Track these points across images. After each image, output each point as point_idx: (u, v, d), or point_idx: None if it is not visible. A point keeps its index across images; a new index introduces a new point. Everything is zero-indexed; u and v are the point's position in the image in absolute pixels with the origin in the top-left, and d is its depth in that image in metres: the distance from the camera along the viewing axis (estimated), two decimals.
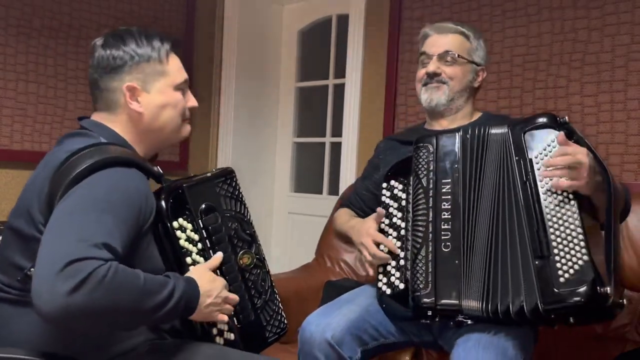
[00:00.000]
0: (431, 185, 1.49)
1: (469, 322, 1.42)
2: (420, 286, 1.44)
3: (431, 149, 1.52)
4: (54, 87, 2.71)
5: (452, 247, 1.44)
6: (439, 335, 1.59)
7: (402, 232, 1.54)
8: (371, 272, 1.57)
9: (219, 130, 3.34)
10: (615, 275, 1.29)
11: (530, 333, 1.49)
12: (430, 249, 1.45)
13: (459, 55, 1.68)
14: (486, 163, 1.46)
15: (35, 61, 2.66)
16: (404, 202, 1.56)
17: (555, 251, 1.31)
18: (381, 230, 1.58)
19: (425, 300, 1.43)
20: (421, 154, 1.53)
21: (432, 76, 1.69)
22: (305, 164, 3.50)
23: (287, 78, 3.47)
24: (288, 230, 3.44)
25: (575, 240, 1.30)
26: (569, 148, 1.33)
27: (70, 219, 1.08)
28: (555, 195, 1.34)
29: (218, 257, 1.32)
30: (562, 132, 1.34)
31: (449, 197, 1.47)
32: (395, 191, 1.59)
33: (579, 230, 1.31)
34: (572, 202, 1.33)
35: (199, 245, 1.32)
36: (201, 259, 1.32)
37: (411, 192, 1.53)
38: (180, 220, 1.30)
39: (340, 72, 3.16)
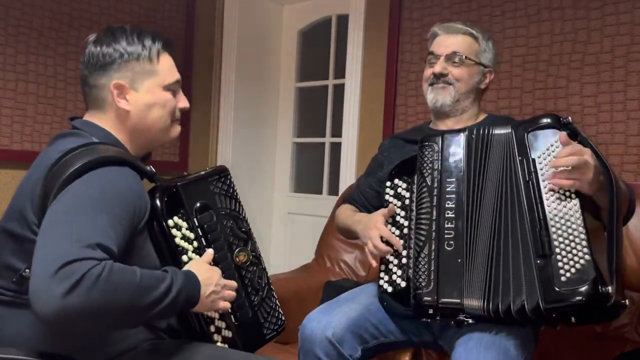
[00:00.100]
0: (435, 184, 1.49)
1: (470, 321, 1.42)
2: (422, 284, 1.44)
3: (436, 148, 1.52)
4: (53, 87, 2.71)
5: (455, 245, 1.44)
6: (439, 335, 1.60)
7: (405, 230, 1.55)
8: (374, 263, 1.57)
9: (219, 130, 3.34)
10: (617, 276, 1.29)
11: (531, 333, 1.49)
12: (433, 247, 1.46)
13: (466, 57, 1.67)
14: (490, 163, 1.46)
15: (35, 61, 2.65)
16: (407, 201, 1.57)
17: (557, 250, 1.31)
18: None
19: (427, 298, 1.43)
20: (426, 152, 1.53)
21: (439, 77, 1.69)
22: (305, 164, 3.50)
23: (287, 78, 3.47)
24: (288, 230, 3.44)
25: (577, 240, 1.31)
26: (574, 148, 1.33)
27: (64, 220, 1.08)
28: (557, 194, 1.35)
29: (209, 253, 1.33)
30: (564, 132, 1.35)
31: (453, 196, 1.47)
32: (399, 190, 1.60)
33: (581, 229, 1.31)
34: (575, 201, 1.33)
35: (195, 244, 1.32)
36: (197, 257, 1.32)
37: (415, 190, 1.54)
38: (176, 218, 1.30)
39: (340, 73, 3.16)
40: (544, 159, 1.38)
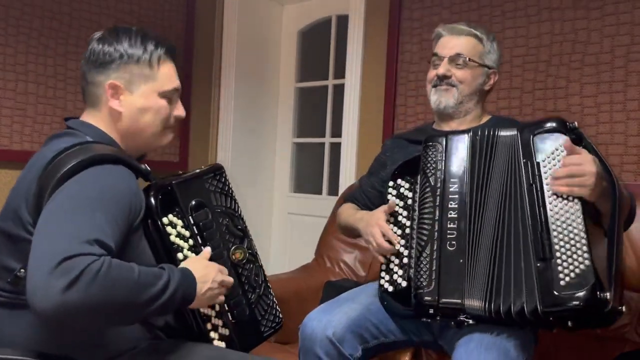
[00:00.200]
0: (439, 184, 1.50)
1: (470, 322, 1.42)
2: (424, 284, 1.44)
3: (440, 148, 1.52)
4: (53, 88, 2.71)
5: (457, 246, 1.44)
6: (439, 335, 1.60)
7: (407, 230, 1.55)
8: (382, 259, 1.57)
9: (219, 130, 3.34)
10: (616, 282, 1.29)
11: (531, 334, 1.49)
12: (435, 247, 1.46)
13: (470, 59, 1.67)
14: (494, 164, 1.46)
15: (35, 61, 2.65)
16: (409, 201, 1.57)
17: (558, 254, 1.32)
18: None
19: (428, 297, 1.43)
20: (430, 152, 1.53)
21: (442, 78, 1.69)
22: (305, 164, 3.50)
23: (286, 78, 3.47)
24: (287, 230, 3.44)
25: (578, 245, 1.31)
26: (576, 157, 1.33)
27: (61, 217, 1.08)
28: (560, 199, 1.35)
29: (207, 251, 1.33)
30: (568, 138, 1.36)
31: (456, 196, 1.47)
32: (402, 190, 1.60)
33: (583, 234, 1.31)
34: (577, 206, 1.34)
35: (190, 242, 1.32)
36: (193, 255, 1.32)
37: (418, 190, 1.54)
38: (171, 216, 1.30)
39: (340, 73, 3.16)
40: (549, 163, 1.38)
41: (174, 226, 1.30)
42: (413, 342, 1.65)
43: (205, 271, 1.26)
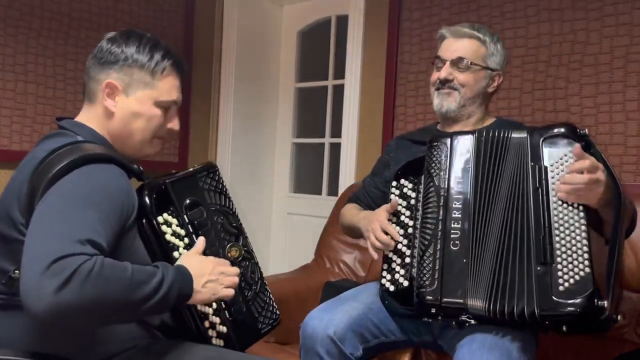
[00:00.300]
0: (443, 185, 1.50)
1: (472, 322, 1.41)
2: (426, 283, 1.44)
3: (445, 148, 1.52)
4: (53, 88, 2.71)
5: (460, 245, 1.44)
6: (440, 336, 1.60)
7: (409, 230, 1.55)
8: (375, 256, 1.57)
9: (218, 130, 3.34)
10: (614, 291, 1.30)
11: (532, 336, 1.49)
12: (438, 246, 1.46)
13: (472, 63, 1.66)
14: (504, 166, 1.46)
15: (34, 62, 2.66)
16: (413, 201, 1.57)
17: (559, 259, 1.32)
18: None
19: (430, 297, 1.43)
20: (435, 153, 1.54)
21: (444, 82, 1.68)
22: (305, 164, 3.50)
23: (286, 79, 3.47)
24: (287, 230, 3.44)
25: (580, 252, 1.31)
26: (586, 165, 1.33)
27: (53, 217, 1.08)
28: (565, 205, 1.36)
29: (201, 240, 1.32)
30: (578, 145, 1.36)
31: (461, 197, 1.47)
32: (405, 190, 1.60)
33: (585, 242, 1.32)
34: (582, 213, 1.34)
35: (186, 240, 1.32)
36: None
37: (422, 190, 1.54)
38: (165, 215, 1.30)
39: (340, 73, 3.16)
40: (556, 168, 1.39)
41: (169, 225, 1.30)
42: (413, 342, 1.65)
43: (201, 265, 1.25)
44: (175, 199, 1.32)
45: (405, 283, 1.52)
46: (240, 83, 3.32)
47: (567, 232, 1.34)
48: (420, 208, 1.53)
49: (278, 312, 1.52)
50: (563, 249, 1.33)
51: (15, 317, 1.15)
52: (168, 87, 1.33)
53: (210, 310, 1.36)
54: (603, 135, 2.22)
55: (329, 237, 2.59)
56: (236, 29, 3.29)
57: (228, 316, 1.37)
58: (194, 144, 3.27)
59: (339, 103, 3.09)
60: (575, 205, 1.35)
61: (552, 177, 1.38)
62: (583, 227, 1.33)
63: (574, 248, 1.32)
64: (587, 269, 1.29)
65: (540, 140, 1.42)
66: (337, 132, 3.18)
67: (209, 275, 1.25)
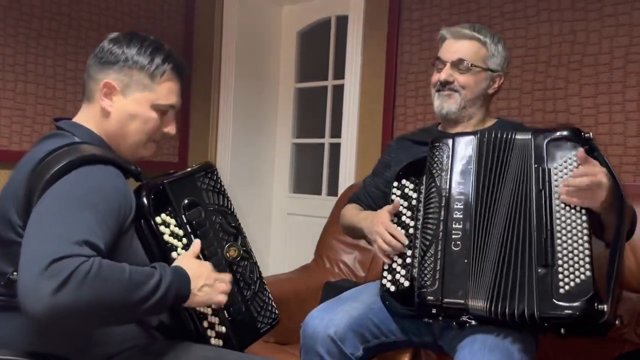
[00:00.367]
0: (445, 185, 1.49)
1: (473, 322, 1.41)
2: (427, 283, 1.44)
3: (447, 149, 1.52)
4: (52, 88, 2.71)
5: (462, 246, 1.44)
6: (440, 336, 1.60)
7: (410, 230, 1.55)
8: (387, 260, 1.56)
9: (218, 131, 3.34)
10: (614, 295, 1.30)
11: (532, 338, 1.49)
12: (439, 247, 1.45)
13: (472, 64, 1.66)
14: (507, 167, 1.46)
15: (34, 62, 2.66)
16: (414, 202, 1.57)
17: (560, 262, 1.32)
18: None
19: (431, 297, 1.43)
20: (437, 153, 1.54)
21: (445, 84, 1.68)
22: (304, 165, 3.50)
23: (286, 79, 3.48)
24: (287, 231, 3.44)
25: (581, 255, 1.31)
26: (590, 168, 1.33)
27: (50, 219, 1.08)
28: (567, 208, 1.36)
29: (196, 243, 1.31)
30: (582, 149, 1.36)
31: (462, 197, 1.47)
32: (406, 190, 1.60)
33: (586, 245, 1.32)
34: (584, 217, 1.34)
35: (184, 240, 1.32)
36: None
37: (423, 191, 1.54)
38: (163, 215, 1.29)
39: (340, 73, 3.16)
40: (560, 171, 1.39)
41: (167, 225, 1.30)
42: (413, 342, 1.65)
43: (198, 268, 1.25)
44: (173, 199, 1.32)
45: (406, 283, 1.52)
46: (240, 83, 3.32)
47: (569, 234, 1.34)
48: (421, 208, 1.53)
49: (277, 312, 1.52)
50: (564, 251, 1.33)
51: (14, 319, 1.15)
52: (166, 91, 1.33)
53: (209, 310, 1.36)
54: (603, 136, 2.22)
55: (329, 237, 2.59)
56: (236, 29, 3.29)
57: (227, 316, 1.37)
58: (193, 144, 3.27)
59: (339, 103, 3.10)
60: (578, 208, 1.35)
61: (556, 180, 1.38)
62: (585, 231, 1.33)
63: (575, 251, 1.32)
64: (588, 272, 1.29)
65: (545, 143, 1.42)
66: (337, 132, 3.18)
67: (206, 280, 1.25)
